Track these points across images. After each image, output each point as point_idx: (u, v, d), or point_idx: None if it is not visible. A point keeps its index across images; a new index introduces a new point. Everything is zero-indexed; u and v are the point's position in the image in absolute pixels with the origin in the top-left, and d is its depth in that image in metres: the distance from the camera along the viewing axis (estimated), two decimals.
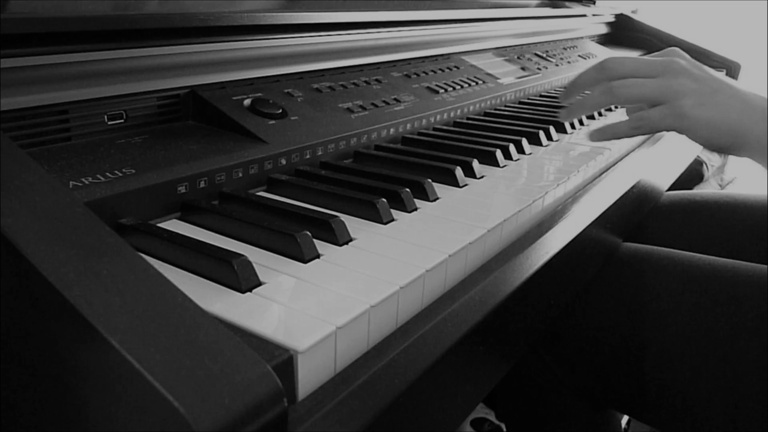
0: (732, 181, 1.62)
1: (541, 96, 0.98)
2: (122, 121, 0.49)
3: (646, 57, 0.59)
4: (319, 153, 0.56)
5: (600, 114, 0.89)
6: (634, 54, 1.49)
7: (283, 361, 0.28)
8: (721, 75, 0.56)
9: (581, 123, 0.82)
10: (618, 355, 0.64)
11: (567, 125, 0.79)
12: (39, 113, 0.44)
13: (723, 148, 0.54)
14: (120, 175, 0.41)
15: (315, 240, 0.39)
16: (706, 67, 0.57)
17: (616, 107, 0.97)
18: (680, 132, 0.55)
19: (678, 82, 0.54)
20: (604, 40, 1.57)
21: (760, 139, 0.51)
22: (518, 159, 0.65)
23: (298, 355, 0.28)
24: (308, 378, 0.29)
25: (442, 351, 0.34)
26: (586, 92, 0.62)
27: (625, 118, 0.60)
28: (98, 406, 0.25)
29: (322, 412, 0.28)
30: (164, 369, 0.23)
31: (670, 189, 0.90)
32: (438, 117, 0.73)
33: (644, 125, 0.56)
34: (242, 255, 0.34)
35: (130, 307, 0.25)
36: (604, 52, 1.40)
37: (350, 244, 0.41)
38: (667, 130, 0.56)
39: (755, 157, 0.52)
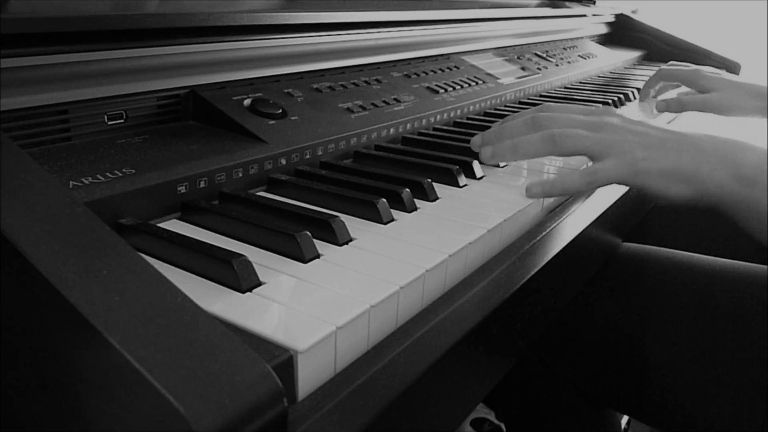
0: None
1: (541, 96, 0.98)
2: (122, 121, 0.49)
3: (578, 113, 0.55)
4: (319, 153, 0.56)
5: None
6: (634, 54, 1.49)
7: (283, 361, 0.28)
8: (662, 126, 0.53)
9: None
10: (618, 355, 0.64)
11: None
12: (39, 113, 0.44)
13: (683, 198, 0.49)
14: (120, 175, 0.41)
15: (315, 240, 0.39)
16: (644, 121, 0.54)
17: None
18: (635, 187, 0.51)
19: (621, 136, 0.51)
20: (604, 40, 1.57)
21: (723, 186, 0.46)
22: None
23: (298, 355, 0.28)
24: (308, 378, 0.29)
25: (442, 351, 0.34)
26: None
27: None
28: (98, 406, 0.25)
29: (322, 412, 0.28)
30: (164, 369, 0.23)
31: None
32: (438, 117, 0.73)
33: (599, 179, 0.51)
34: (242, 255, 0.34)
35: (130, 307, 0.25)
36: (604, 52, 1.40)
37: (350, 244, 0.41)
38: (622, 184, 0.52)
39: (724, 210, 0.48)
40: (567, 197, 0.58)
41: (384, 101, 0.67)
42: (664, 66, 1.03)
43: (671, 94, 1.03)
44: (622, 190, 0.62)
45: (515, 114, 0.59)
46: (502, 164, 0.56)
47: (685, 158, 0.48)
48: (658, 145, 0.50)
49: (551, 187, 0.53)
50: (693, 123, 0.99)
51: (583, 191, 0.55)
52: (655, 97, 1.04)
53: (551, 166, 0.63)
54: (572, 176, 0.52)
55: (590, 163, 0.53)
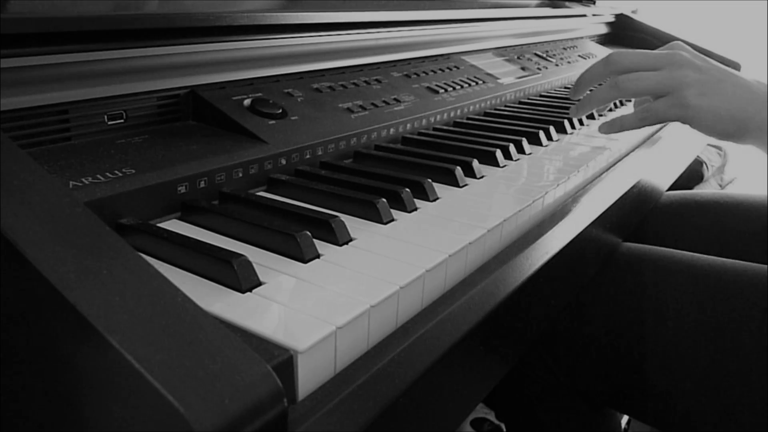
0: (732, 181, 1.62)
1: (541, 96, 0.98)
2: (122, 121, 0.49)
3: (650, 51, 0.61)
4: (319, 153, 0.56)
5: (600, 114, 0.89)
6: None
7: (283, 361, 0.28)
8: (723, 66, 0.58)
9: (581, 123, 0.82)
10: (618, 355, 0.64)
11: (567, 125, 0.79)
12: (39, 113, 0.44)
13: (726, 135, 0.55)
14: (120, 175, 0.41)
15: (315, 240, 0.39)
16: (709, 59, 0.58)
17: (622, 103, 0.98)
18: (685, 122, 0.57)
19: (682, 73, 0.56)
20: (604, 40, 1.57)
21: (761, 125, 0.53)
22: (518, 159, 0.65)
23: (298, 355, 0.28)
24: (308, 378, 0.29)
25: (442, 351, 0.34)
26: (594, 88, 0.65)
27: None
28: (98, 406, 0.25)
29: (322, 412, 0.28)
30: (164, 369, 0.23)
31: (670, 189, 0.90)
32: (438, 117, 0.73)
33: (650, 116, 0.59)
34: (242, 255, 0.34)
35: (130, 307, 0.25)
36: (604, 52, 1.40)
37: (350, 244, 0.41)
38: (673, 120, 0.58)
39: (757, 144, 0.54)
40: (567, 197, 0.58)
41: (384, 101, 0.67)
42: None
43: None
44: (621, 190, 0.62)
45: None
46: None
47: (735, 101, 0.54)
48: (713, 85, 0.55)
49: (611, 126, 0.64)
50: None
51: (639, 127, 0.62)
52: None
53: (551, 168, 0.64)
54: (629, 116, 0.61)
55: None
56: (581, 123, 0.82)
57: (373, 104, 0.66)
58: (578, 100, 0.68)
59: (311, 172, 0.53)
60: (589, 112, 0.69)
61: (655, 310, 0.62)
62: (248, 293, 0.33)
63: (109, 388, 0.24)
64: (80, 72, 0.46)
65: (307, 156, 0.54)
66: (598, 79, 0.65)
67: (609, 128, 0.64)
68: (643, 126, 0.62)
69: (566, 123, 0.78)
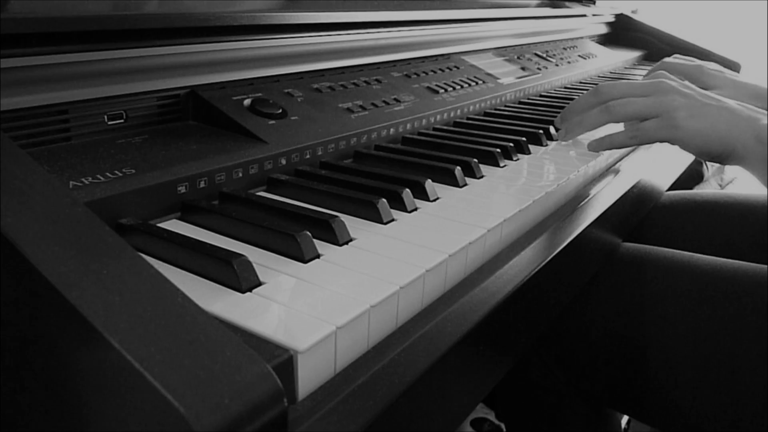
0: (732, 181, 1.62)
1: (541, 96, 0.98)
2: (122, 121, 0.49)
3: (636, 81, 0.64)
4: (319, 153, 0.56)
5: None
6: (634, 54, 1.49)
7: (283, 361, 0.28)
8: (706, 92, 0.61)
9: None
10: (618, 355, 0.64)
11: None
12: (39, 113, 0.44)
13: (714, 156, 0.58)
14: (120, 175, 0.41)
15: (315, 240, 0.39)
16: (692, 85, 0.62)
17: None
18: (673, 142, 0.59)
19: (669, 98, 0.59)
20: (604, 40, 1.57)
21: (746, 145, 0.55)
22: (518, 159, 0.65)
23: (298, 355, 0.28)
24: (308, 378, 0.29)
25: (442, 351, 0.34)
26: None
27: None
28: (98, 406, 0.25)
29: (322, 412, 0.28)
30: (164, 369, 0.23)
31: (670, 189, 0.90)
32: (438, 117, 0.73)
33: (640, 135, 0.61)
34: (242, 255, 0.34)
35: (130, 307, 0.25)
36: (604, 52, 1.40)
37: (350, 244, 0.41)
38: (662, 141, 0.61)
39: (744, 165, 0.56)
40: (563, 203, 0.58)
41: (384, 101, 0.67)
42: (667, 59, 1.03)
43: None
44: (621, 190, 0.62)
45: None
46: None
47: (721, 123, 0.57)
48: (699, 108, 0.58)
49: (599, 143, 0.65)
50: None
51: (628, 146, 0.65)
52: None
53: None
54: (619, 134, 0.63)
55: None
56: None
57: (373, 104, 0.66)
58: (565, 126, 0.70)
59: (311, 172, 0.53)
60: (577, 136, 0.70)
61: (655, 310, 0.62)
62: (248, 293, 0.33)
63: (109, 388, 0.24)
64: (80, 72, 0.46)
65: (307, 156, 0.54)
66: (587, 110, 0.67)
67: (598, 145, 0.66)
68: (632, 145, 0.64)
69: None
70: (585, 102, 0.67)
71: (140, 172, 0.42)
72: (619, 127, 0.68)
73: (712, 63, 0.98)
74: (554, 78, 1.05)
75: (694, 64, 0.96)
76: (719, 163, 0.59)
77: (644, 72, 1.08)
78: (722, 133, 0.57)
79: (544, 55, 1.15)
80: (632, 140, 0.62)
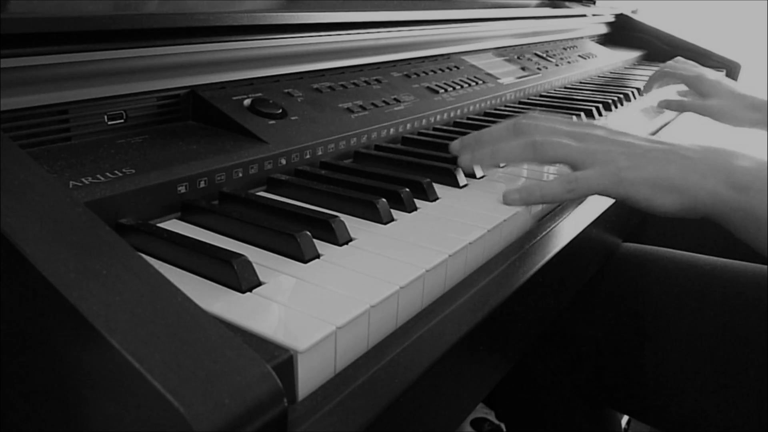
0: None
1: (541, 96, 0.98)
2: (122, 121, 0.49)
3: (561, 123, 0.53)
4: (319, 153, 0.56)
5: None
6: (634, 54, 1.49)
7: (283, 361, 0.28)
8: (646, 135, 0.51)
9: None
10: (618, 355, 0.64)
11: None
12: (39, 113, 0.44)
13: (672, 210, 0.47)
14: (120, 175, 0.41)
15: (315, 240, 0.39)
16: (627, 132, 0.52)
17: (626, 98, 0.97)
18: (618, 198, 0.49)
19: (604, 147, 0.49)
20: (604, 40, 1.57)
21: (716, 194, 0.44)
22: None
23: (298, 355, 0.28)
24: (308, 378, 0.29)
25: (442, 351, 0.34)
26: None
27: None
28: (98, 406, 0.25)
29: (322, 412, 0.28)
30: (164, 369, 0.23)
31: None
32: (438, 117, 0.73)
33: (579, 188, 0.49)
34: (242, 255, 0.34)
35: (130, 307, 0.25)
36: (604, 52, 1.40)
37: (350, 244, 0.41)
38: (604, 195, 0.50)
39: (715, 216, 0.46)
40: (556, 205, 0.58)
41: (384, 101, 0.67)
42: (670, 62, 1.04)
43: (673, 93, 1.04)
44: None
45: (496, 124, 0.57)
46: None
47: (671, 167, 0.46)
48: (642, 155, 0.48)
49: (529, 194, 0.51)
50: (691, 127, 0.99)
51: (563, 200, 0.53)
52: (658, 88, 1.06)
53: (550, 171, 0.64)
54: (552, 183, 0.50)
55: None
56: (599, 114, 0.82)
57: (373, 104, 0.66)
58: (470, 154, 0.56)
59: (311, 172, 0.53)
60: (488, 167, 0.59)
61: (655, 310, 0.62)
62: (248, 293, 0.33)
63: (110, 388, 0.24)
64: (80, 72, 0.46)
65: (307, 156, 0.54)
66: (502, 141, 0.54)
67: (523, 198, 0.51)
68: (567, 199, 0.52)
69: None
70: (501, 133, 0.54)
71: (140, 172, 0.42)
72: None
73: (711, 71, 0.98)
74: (554, 78, 1.05)
75: (694, 73, 0.96)
76: (686, 216, 0.48)
77: (644, 72, 1.08)
78: (676, 182, 0.45)
79: (544, 55, 1.15)
80: (569, 194, 0.49)
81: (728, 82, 0.93)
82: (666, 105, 0.95)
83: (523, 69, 1.01)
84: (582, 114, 0.83)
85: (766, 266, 0.61)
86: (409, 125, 0.68)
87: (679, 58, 1.08)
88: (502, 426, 1.02)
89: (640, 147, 0.48)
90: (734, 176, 0.44)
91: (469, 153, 0.55)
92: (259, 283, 0.34)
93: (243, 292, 0.33)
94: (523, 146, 0.51)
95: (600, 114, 0.89)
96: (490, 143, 0.54)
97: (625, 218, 0.67)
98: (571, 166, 0.51)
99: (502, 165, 0.61)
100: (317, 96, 0.62)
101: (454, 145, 0.58)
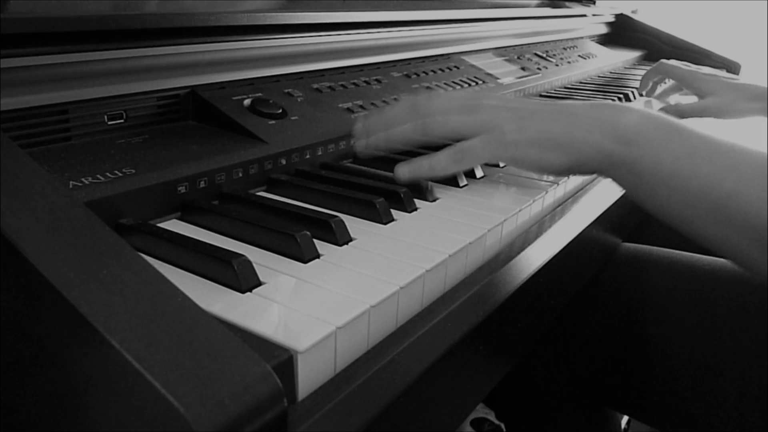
0: None
1: (541, 96, 0.98)
2: (122, 121, 0.49)
3: (457, 98, 0.52)
4: (319, 153, 0.56)
5: None
6: (634, 54, 1.49)
7: (283, 361, 0.28)
8: (542, 101, 0.52)
9: None
10: (618, 355, 0.64)
11: None
12: (39, 113, 0.44)
13: (561, 167, 0.47)
14: (120, 175, 0.41)
15: (315, 240, 0.39)
16: (522, 99, 0.52)
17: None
18: (507, 162, 0.50)
19: (493, 114, 0.49)
20: (604, 40, 1.57)
21: (602, 150, 0.45)
22: None
23: (298, 355, 0.28)
24: (308, 378, 0.29)
25: (442, 351, 0.34)
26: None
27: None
28: (98, 405, 0.25)
29: (322, 412, 0.28)
30: (164, 369, 0.23)
31: None
32: None
33: (466, 157, 0.49)
34: (242, 255, 0.34)
35: (130, 307, 0.25)
36: (604, 52, 1.40)
37: (350, 244, 0.41)
38: (493, 162, 0.50)
39: (608, 174, 0.46)
40: (567, 197, 0.58)
41: (384, 101, 0.67)
42: (664, 61, 1.03)
43: (670, 98, 1.04)
44: (621, 190, 0.62)
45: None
46: (479, 174, 0.55)
47: (556, 126, 0.47)
48: (530, 117, 0.48)
49: (418, 167, 0.51)
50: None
51: (452, 171, 0.52)
52: (655, 85, 1.05)
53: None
54: (439, 156, 0.50)
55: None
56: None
57: (373, 104, 0.66)
58: (366, 140, 0.55)
59: (311, 172, 0.53)
60: (383, 150, 0.55)
61: (655, 310, 0.62)
62: (248, 293, 0.33)
63: (110, 388, 0.24)
64: (80, 72, 0.46)
65: (307, 156, 0.54)
66: (397, 124, 0.53)
67: (412, 172, 0.51)
68: (456, 170, 0.52)
69: None
70: (396, 115, 0.53)
71: (140, 172, 0.42)
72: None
73: (706, 68, 0.97)
74: (554, 78, 1.05)
75: (689, 69, 0.96)
76: (577, 174, 0.49)
77: (644, 72, 1.08)
78: (560, 139, 0.46)
79: (544, 55, 1.15)
80: (456, 164, 0.50)
81: (725, 75, 0.93)
82: (664, 111, 0.95)
83: (523, 69, 1.01)
84: None
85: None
86: None
87: (673, 60, 1.08)
88: (502, 426, 1.02)
89: (528, 110, 0.49)
90: (618, 130, 0.44)
91: (365, 138, 0.55)
92: (259, 283, 0.34)
93: (243, 292, 0.33)
94: (412, 128, 0.51)
95: None
96: (385, 126, 0.53)
97: (625, 218, 0.67)
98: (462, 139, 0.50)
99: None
100: (317, 96, 0.62)
101: (357, 128, 0.56)
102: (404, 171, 0.51)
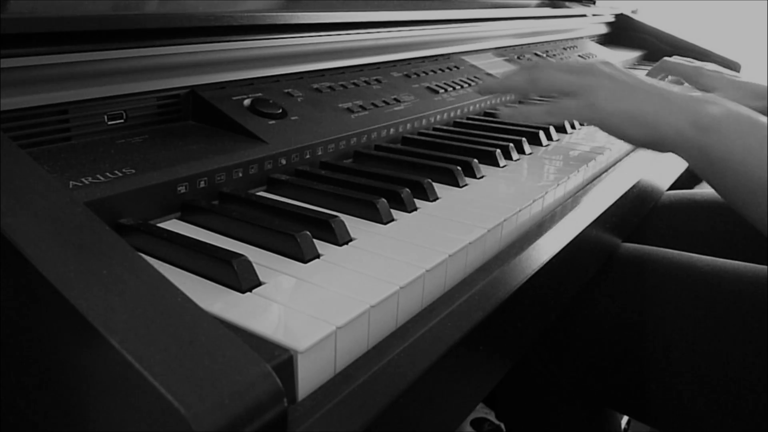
0: None
1: (541, 96, 0.97)
2: (122, 121, 0.49)
3: (572, 62, 0.61)
4: (319, 153, 0.56)
5: (573, 126, 0.86)
6: (634, 54, 1.49)
7: (283, 361, 0.28)
8: (643, 77, 0.57)
9: (573, 127, 0.82)
10: (618, 355, 0.64)
11: (567, 125, 0.79)
12: (39, 113, 0.44)
13: (641, 141, 0.54)
14: (120, 175, 0.41)
15: (315, 240, 0.39)
16: (629, 71, 0.58)
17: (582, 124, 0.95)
18: (594, 124, 0.56)
19: (596, 79, 0.56)
20: (604, 40, 1.57)
21: (682, 132, 0.50)
22: (518, 159, 0.65)
23: (298, 355, 0.28)
24: (308, 378, 0.29)
25: (442, 351, 0.34)
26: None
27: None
28: (98, 405, 0.25)
29: (322, 412, 0.28)
30: (164, 369, 0.23)
31: (670, 189, 0.90)
32: (438, 117, 0.73)
33: (558, 113, 0.57)
34: (242, 255, 0.34)
35: (130, 307, 0.25)
36: (604, 52, 1.40)
37: (350, 244, 0.41)
38: (582, 121, 0.58)
39: (679, 153, 0.52)
40: (567, 197, 0.58)
41: (384, 101, 0.67)
42: (667, 58, 1.03)
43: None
44: (621, 190, 0.62)
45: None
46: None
47: (648, 105, 0.52)
48: (627, 90, 0.54)
49: (518, 112, 0.60)
50: None
51: (545, 122, 0.62)
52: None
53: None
54: (538, 107, 0.59)
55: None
56: (573, 127, 0.81)
57: (373, 104, 0.66)
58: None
59: (311, 172, 0.53)
60: (494, 93, 0.67)
61: (655, 311, 0.62)
62: (248, 293, 0.33)
63: (109, 388, 0.24)
64: (80, 72, 0.46)
65: (307, 156, 0.54)
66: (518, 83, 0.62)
67: (511, 114, 0.61)
68: (549, 122, 0.62)
69: (566, 123, 0.78)
70: (514, 71, 0.63)
71: (140, 172, 0.42)
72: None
73: (711, 64, 0.97)
74: None
75: (693, 65, 0.96)
76: (653, 149, 0.55)
77: (644, 72, 1.08)
78: (649, 117, 0.52)
79: (544, 55, 1.15)
80: (549, 116, 0.58)
81: (728, 73, 0.92)
82: None
83: None
84: None
85: (766, 266, 0.61)
86: (409, 125, 0.68)
87: (675, 56, 1.08)
88: (502, 426, 1.02)
89: (628, 84, 0.55)
90: (700, 118, 0.50)
91: (483, 83, 0.66)
92: (259, 283, 0.34)
93: (243, 292, 0.33)
94: (524, 78, 0.60)
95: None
96: (507, 90, 0.63)
97: (625, 218, 0.67)
98: (567, 96, 0.58)
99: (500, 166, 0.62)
100: (317, 96, 0.62)
101: (482, 86, 0.66)
102: (506, 112, 0.61)
